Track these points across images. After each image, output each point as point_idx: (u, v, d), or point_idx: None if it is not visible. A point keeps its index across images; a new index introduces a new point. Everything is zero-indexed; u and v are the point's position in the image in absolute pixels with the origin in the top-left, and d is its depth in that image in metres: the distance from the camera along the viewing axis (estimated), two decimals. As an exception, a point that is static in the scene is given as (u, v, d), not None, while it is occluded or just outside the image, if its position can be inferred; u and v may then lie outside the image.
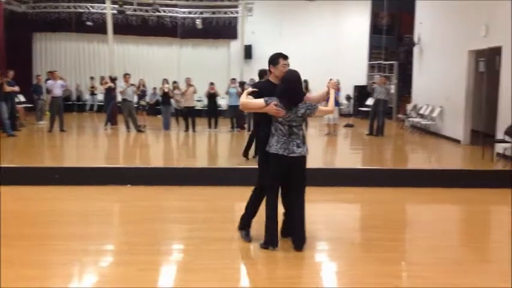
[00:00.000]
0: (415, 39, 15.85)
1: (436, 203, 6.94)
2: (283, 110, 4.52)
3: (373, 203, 6.81)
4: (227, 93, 14.70)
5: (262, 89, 4.78)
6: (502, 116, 10.18)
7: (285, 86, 4.58)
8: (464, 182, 7.62)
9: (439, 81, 13.64)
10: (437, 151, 11.64)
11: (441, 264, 4.41)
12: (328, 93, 4.90)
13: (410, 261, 4.64)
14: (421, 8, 15.72)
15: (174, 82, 14.84)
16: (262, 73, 9.50)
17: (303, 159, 4.66)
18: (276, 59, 4.74)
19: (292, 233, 4.77)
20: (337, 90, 13.09)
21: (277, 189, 4.72)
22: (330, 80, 4.94)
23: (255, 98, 4.68)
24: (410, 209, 6.90)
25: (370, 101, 15.68)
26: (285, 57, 4.77)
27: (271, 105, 4.52)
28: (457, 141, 12.13)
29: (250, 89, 4.85)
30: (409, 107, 16.16)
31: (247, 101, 4.69)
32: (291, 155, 4.57)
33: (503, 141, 9.59)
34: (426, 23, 15.15)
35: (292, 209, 4.77)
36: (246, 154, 9.35)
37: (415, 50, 16.10)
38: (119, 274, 4.13)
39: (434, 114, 13.55)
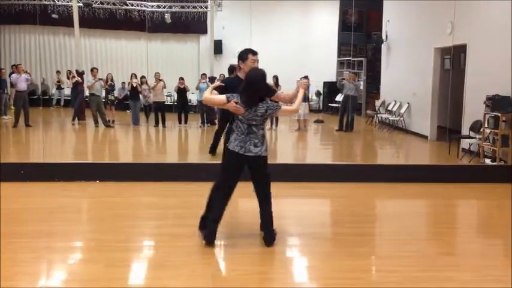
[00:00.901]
0: (383, 36, 16.08)
1: (404, 198, 7.07)
2: (242, 108, 4.49)
3: (342, 198, 6.88)
4: (197, 88, 14.60)
5: (229, 84, 4.75)
6: (467, 112, 10.45)
7: (245, 84, 4.53)
8: (431, 177, 7.78)
9: (406, 78, 13.89)
10: (405, 147, 11.86)
11: (409, 258, 4.49)
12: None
13: (379, 255, 4.70)
14: (389, 6, 15.95)
15: (142, 77, 14.64)
16: (232, 68, 9.51)
17: (260, 159, 4.58)
18: (245, 54, 4.72)
19: (263, 228, 4.79)
20: (307, 86, 13.24)
21: (229, 188, 4.68)
22: (300, 79, 4.95)
23: (220, 93, 4.63)
24: (379, 204, 7.01)
25: (339, 97, 15.85)
26: (254, 53, 4.76)
27: (231, 102, 4.48)
28: (425, 137, 12.39)
29: (216, 84, 4.82)
30: (378, 103, 16.41)
31: (210, 96, 4.63)
32: (247, 153, 4.53)
33: (468, 137, 9.84)
34: (394, 20, 15.39)
35: (260, 205, 4.77)
36: (212, 151, 9.27)
37: (383, 47, 16.35)
38: (86, 271, 4.05)
39: (402, 111, 13.80)
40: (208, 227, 4.69)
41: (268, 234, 4.72)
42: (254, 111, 4.50)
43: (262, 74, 4.58)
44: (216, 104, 4.72)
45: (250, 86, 4.49)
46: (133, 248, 4.69)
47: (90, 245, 4.72)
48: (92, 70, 13.92)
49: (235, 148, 4.54)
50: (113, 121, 14.28)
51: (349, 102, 13.50)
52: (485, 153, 9.17)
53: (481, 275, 4.11)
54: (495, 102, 8.75)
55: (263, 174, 4.69)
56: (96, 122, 13.59)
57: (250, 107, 4.49)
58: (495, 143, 8.77)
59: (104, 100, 14.26)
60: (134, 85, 14.02)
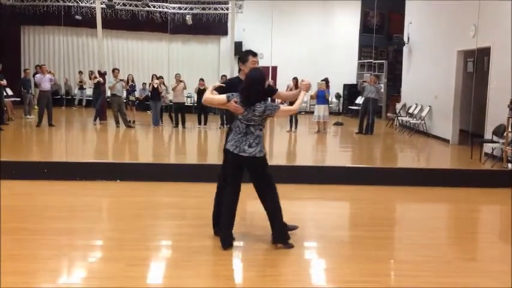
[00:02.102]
0: (405, 38, 15.93)
1: (424, 202, 6.99)
2: (241, 108, 4.51)
3: (362, 201, 6.83)
4: (217, 89, 14.63)
5: (230, 85, 4.79)
6: (490, 116, 10.28)
7: (244, 84, 4.57)
8: (453, 181, 7.68)
9: (428, 81, 13.72)
10: (426, 150, 11.72)
11: (430, 263, 4.44)
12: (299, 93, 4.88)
13: (399, 260, 4.66)
14: (411, 8, 15.80)
15: (160, 77, 14.74)
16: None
17: (254, 159, 4.56)
18: (245, 56, 4.80)
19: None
20: (308, 87, 13.16)
21: (233, 193, 4.70)
22: (302, 81, 4.96)
23: (221, 93, 4.66)
24: (399, 208, 6.94)
25: (359, 100, 15.75)
26: (255, 55, 4.82)
27: (231, 102, 4.52)
28: (446, 141, 12.22)
29: (216, 84, 4.85)
30: (399, 106, 16.25)
31: (210, 96, 4.68)
32: (241, 153, 4.54)
33: (491, 141, 9.68)
34: (416, 22, 15.23)
35: (262, 204, 4.77)
36: None
37: (405, 49, 16.19)
38: (106, 269, 4.10)
39: (423, 114, 13.63)
40: (223, 233, 4.69)
41: (273, 233, 4.71)
42: (252, 110, 4.51)
43: (261, 74, 4.61)
44: (216, 104, 4.76)
45: (249, 86, 4.53)
46: (153, 247, 4.73)
47: (111, 243, 4.78)
48: (113, 71, 14.09)
49: (230, 147, 4.57)
50: (134, 121, 14.42)
51: (369, 105, 13.39)
52: (509, 158, 9.00)
53: (503, 282, 4.04)
54: (519, 106, 8.59)
55: (259, 175, 4.69)
56: (117, 122, 13.74)
57: (248, 106, 4.51)
58: (519, 148, 8.60)
59: (124, 101, 14.42)
60: (155, 86, 14.14)
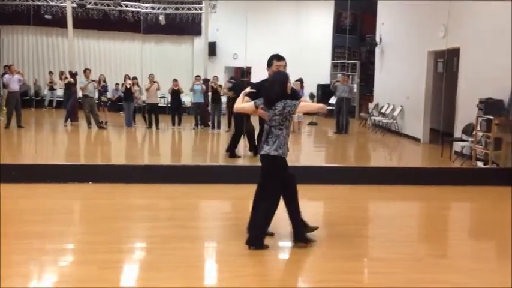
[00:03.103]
0: (377, 39, 16.14)
1: (397, 200, 7.08)
2: (266, 112, 4.56)
3: (336, 200, 6.88)
4: (191, 90, 14.58)
5: (258, 88, 4.84)
6: (459, 115, 10.50)
7: (267, 87, 4.63)
8: (424, 179, 7.80)
9: (399, 81, 13.94)
10: (398, 149, 11.90)
11: (402, 260, 4.50)
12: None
13: (372, 257, 4.71)
14: (383, 9, 16.02)
15: (134, 78, 14.59)
16: (243, 72, 9.76)
17: (268, 157, 4.59)
18: (270, 60, 4.89)
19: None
20: (301, 88, 13.28)
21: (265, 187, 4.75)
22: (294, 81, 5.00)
23: (253, 98, 4.71)
24: (373, 206, 7.02)
25: (333, 100, 15.88)
26: (279, 59, 4.89)
27: (259, 109, 4.60)
28: (417, 140, 12.44)
29: (247, 90, 4.85)
30: (371, 105, 16.46)
31: (241, 105, 4.75)
32: (260, 152, 4.63)
33: (460, 140, 9.89)
34: (387, 23, 15.45)
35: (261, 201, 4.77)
36: (233, 155, 9.40)
37: (377, 49, 16.40)
38: (79, 273, 4.02)
39: (396, 113, 13.84)
40: (252, 232, 4.68)
41: (250, 233, 4.68)
42: (273, 110, 4.54)
43: (283, 76, 4.65)
44: (247, 112, 4.83)
45: (269, 87, 4.59)
46: (127, 250, 4.67)
47: (83, 246, 4.69)
48: (84, 71, 13.87)
49: (259, 150, 4.70)
50: (106, 122, 14.22)
51: (343, 105, 13.53)
52: (478, 156, 9.21)
53: (473, 278, 4.12)
54: (488, 106, 8.80)
55: (269, 175, 4.68)
56: (89, 124, 13.53)
57: (269, 107, 4.54)
58: (487, 146, 8.81)
59: (96, 101, 14.21)
60: (128, 86, 13.98)
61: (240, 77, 17.59)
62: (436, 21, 11.56)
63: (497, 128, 8.58)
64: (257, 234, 4.66)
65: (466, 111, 9.90)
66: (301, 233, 4.75)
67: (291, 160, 9.96)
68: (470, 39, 10.13)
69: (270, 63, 4.86)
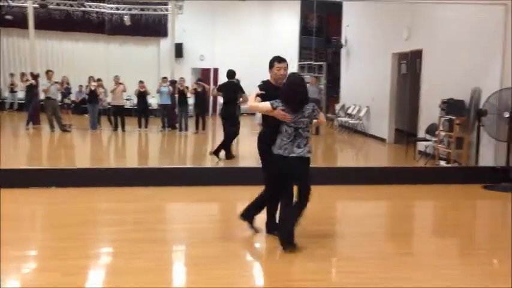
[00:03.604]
0: (342, 41, 16.36)
1: (363, 200, 7.18)
2: (289, 115, 4.58)
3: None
4: (158, 91, 14.43)
5: (267, 89, 4.84)
6: (423, 115, 10.74)
7: (287, 91, 4.63)
8: (390, 179, 7.94)
9: (365, 82, 14.16)
10: (364, 149, 12.08)
11: (370, 259, 4.55)
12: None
13: (341, 257, 4.75)
14: (348, 11, 16.25)
15: (99, 80, 14.33)
16: (230, 73, 9.73)
17: (302, 159, 4.64)
18: (272, 62, 4.88)
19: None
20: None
21: (287, 197, 4.76)
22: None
23: (263, 100, 4.73)
24: (340, 206, 7.10)
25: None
26: (280, 61, 4.89)
27: (278, 110, 4.59)
28: (383, 140, 12.66)
29: (258, 92, 4.84)
30: (338, 106, 16.66)
31: (256, 104, 4.76)
32: (290, 155, 4.61)
33: (424, 139, 10.12)
34: (353, 25, 15.68)
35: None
36: (228, 153, 9.45)
37: (343, 51, 16.63)
38: (41, 280, 3.90)
39: (361, 114, 14.05)
40: (286, 237, 4.65)
41: (285, 237, 4.67)
42: (302, 113, 4.60)
43: (301, 79, 4.84)
44: (262, 111, 4.81)
45: (293, 91, 4.62)
46: (93, 255, 4.56)
47: (47, 253, 4.56)
48: (47, 73, 13.53)
49: (278, 151, 4.65)
50: (70, 125, 13.91)
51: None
52: (441, 156, 9.45)
53: (438, 274, 4.21)
54: (449, 106, 9.03)
55: (303, 175, 4.71)
56: (52, 127, 13.20)
57: (297, 111, 4.59)
58: (449, 146, 9.05)
59: (59, 104, 13.88)
60: (92, 88, 13.72)
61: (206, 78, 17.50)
62: (399, 23, 11.80)
63: (458, 127, 8.81)
64: (291, 236, 4.66)
65: (429, 112, 10.14)
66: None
67: (259, 162, 9.93)
68: (432, 42, 10.38)
69: (271, 65, 4.87)
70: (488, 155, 8.43)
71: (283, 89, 4.69)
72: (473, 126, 8.53)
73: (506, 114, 7.55)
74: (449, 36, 9.70)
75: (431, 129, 9.89)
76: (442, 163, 9.19)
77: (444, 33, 9.93)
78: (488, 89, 8.11)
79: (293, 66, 20.52)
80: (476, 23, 8.89)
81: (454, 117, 8.80)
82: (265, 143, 4.89)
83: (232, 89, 9.63)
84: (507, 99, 7.65)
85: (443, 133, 9.23)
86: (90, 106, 13.86)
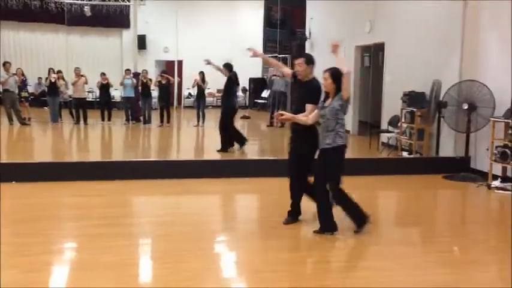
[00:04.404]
0: (307, 33, 16.45)
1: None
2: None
3: (270, 193, 6.95)
4: (121, 84, 14.17)
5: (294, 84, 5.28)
6: (385, 108, 10.95)
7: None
8: (353, 170, 8.01)
9: (329, 75, 14.27)
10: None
11: (337, 249, 4.63)
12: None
13: (307, 247, 4.81)
14: (312, 4, 16.33)
15: (59, 72, 13.95)
16: (227, 66, 9.71)
17: (326, 151, 4.89)
18: (292, 59, 5.14)
19: None
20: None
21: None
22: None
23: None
24: (305, 197, 7.14)
25: (265, 93, 16.05)
26: (296, 58, 5.31)
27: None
28: (347, 132, 12.81)
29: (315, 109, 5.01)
30: (302, 99, 16.75)
31: (311, 118, 4.95)
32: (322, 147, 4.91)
33: (387, 131, 10.32)
34: (317, 18, 15.77)
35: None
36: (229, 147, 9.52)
37: (307, 44, 16.72)
38: (4, 278, 3.79)
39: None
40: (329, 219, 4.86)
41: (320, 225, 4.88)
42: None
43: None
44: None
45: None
46: (57, 251, 4.46)
47: (8, 249, 4.42)
48: (4, 64, 13.08)
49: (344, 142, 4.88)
50: (29, 118, 13.52)
51: (279, 98, 13.72)
52: (403, 147, 9.67)
53: (402, 263, 4.32)
54: (411, 98, 9.23)
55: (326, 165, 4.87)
56: (10, 120, 12.79)
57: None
58: (411, 137, 9.26)
59: (17, 97, 13.46)
60: (52, 80, 13.35)
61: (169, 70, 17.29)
62: (362, 17, 11.95)
63: (419, 119, 9.03)
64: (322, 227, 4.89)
65: (392, 104, 10.34)
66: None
67: (225, 154, 9.92)
68: (394, 35, 10.57)
69: (292, 63, 5.14)
70: (448, 146, 8.67)
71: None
72: (434, 117, 8.74)
73: (465, 106, 7.77)
74: (411, 30, 9.90)
75: (394, 121, 10.09)
76: (405, 154, 9.41)
77: (405, 27, 10.12)
78: (448, 82, 8.33)
79: (258, 59, 20.55)
80: (436, 17, 9.11)
81: (415, 109, 9.00)
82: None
83: (228, 82, 9.72)
84: (466, 92, 7.88)
85: (405, 125, 9.44)
86: (50, 99, 13.49)
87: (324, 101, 4.94)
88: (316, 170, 4.97)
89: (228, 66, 9.82)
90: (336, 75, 4.81)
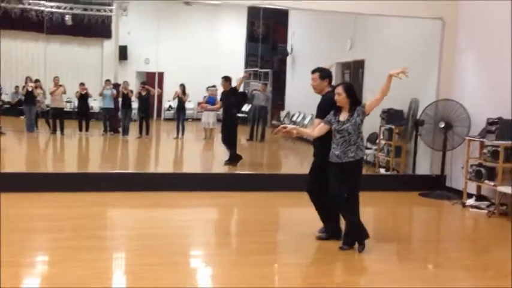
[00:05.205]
0: (288, 49, 16.59)
1: (306, 206, 7.24)
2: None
3: (247, 207, 6.93)
4: (101, 94, 14.04)
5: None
6: (364, 124, 11.00)
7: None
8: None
9: (310, 90, 14.28)
10: (308, 157, 12.21)
11: (312, 265, 4.61)
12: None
13: (283, 263, 4.78)
14: (294, 20, 16.50)
15: (37, 80, 13.76)
16: (226, 78, 9.69)
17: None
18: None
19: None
20: (214, 95, 13.28)
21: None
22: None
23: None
24: (283, 213, 7.15)
25: (246, 107, 16.05)
26: (312, 72, 5.39)
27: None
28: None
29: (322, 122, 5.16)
30: (283, 113, 16.84)
31: (317, 130, 5.19)
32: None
33: (365, 147, 10.40)
34: (298, 34, 15.94)
35: None
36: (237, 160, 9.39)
37: (288, 59, 16.86)
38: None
39: (306, 122, 14.27)
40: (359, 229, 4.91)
41: (347, 238, 4.90)
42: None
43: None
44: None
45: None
46: (26, 264, 4.35)
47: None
48: (-20, 72, 12.85)
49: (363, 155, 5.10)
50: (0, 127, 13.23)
51: (260, 113, 13.74)
52: (380, 164, 9.74)
53: (376, 279, 4.32)
54: (389, 116, 9.34)
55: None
56: (-16, 129, 12.53)
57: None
58: (389, 154, 9.35)
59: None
60: (30, 89, 13.15)
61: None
62: (342, 34, 12.10)
63: (397, 136, 9.13)
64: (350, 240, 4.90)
65: (370, 121, 10.39)
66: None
67: (204, 167, 9.86)
68: (373, 53, 10.72)
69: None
70: (425, 164, 8.77)
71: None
72: (411, 135, 8.85)
73: (442, 125, 7.89)
74: (390, 48, 10.05)
75: (372, 138, 10.19)
76: (382, 171, 9.48)
77: (385, 45, 10.27)
78: (425, 100, 8.45)
79: (239, 73, 20.60)
80: (414, 36, 9.27)
81: (393, 127, 9.11)
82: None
83: (233, 95, 9.72)
84: (443, 110, 8.01)
85: (383, 142, 9.53)
86: (27, 108, 13.26)
87: (336, 114, 4.88)
88: (335, 182, 4.97)
89: (229, 79, 9.91)
90: (349, 89, 4.87)
